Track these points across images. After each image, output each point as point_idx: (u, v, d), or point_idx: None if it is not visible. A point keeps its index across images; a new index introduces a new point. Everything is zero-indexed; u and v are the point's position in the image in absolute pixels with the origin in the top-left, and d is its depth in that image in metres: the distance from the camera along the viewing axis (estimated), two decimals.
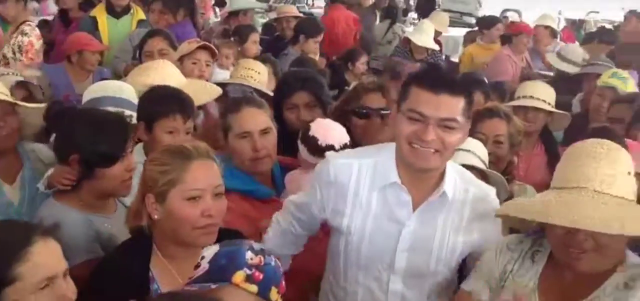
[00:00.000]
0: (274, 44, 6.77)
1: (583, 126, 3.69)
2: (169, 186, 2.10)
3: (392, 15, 8.98)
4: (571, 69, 5.75)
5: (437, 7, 13.59)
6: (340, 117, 3.10)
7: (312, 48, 6.15)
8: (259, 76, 4.17)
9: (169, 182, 2.10)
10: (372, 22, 9.24)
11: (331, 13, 8.12)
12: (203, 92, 3.58)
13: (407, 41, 7.14)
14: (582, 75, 5.25)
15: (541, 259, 2.13)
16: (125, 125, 2.62)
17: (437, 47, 7.12)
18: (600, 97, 4.21)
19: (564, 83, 5.13)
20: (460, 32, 11.25)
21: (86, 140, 2.48)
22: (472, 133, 3.05)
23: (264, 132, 2.76)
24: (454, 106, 2.14)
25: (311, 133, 2.81)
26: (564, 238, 1.95)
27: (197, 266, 1.84)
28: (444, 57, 8.23)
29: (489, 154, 3.05)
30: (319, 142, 2.77)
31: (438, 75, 2.24)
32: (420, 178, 2.27)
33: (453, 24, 15.22)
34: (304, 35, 6.15)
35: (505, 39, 7.12)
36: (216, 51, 4.49)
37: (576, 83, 5.27)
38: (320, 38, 6.31)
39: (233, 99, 3.32)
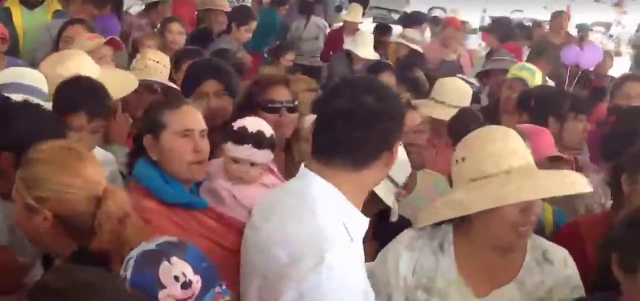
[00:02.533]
0: (200, 37, 6.69)
1: (492, 119, 3.83)
2: None
3: (307, 10, 8.99)
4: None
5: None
6: (247, 110, 2.95)
7: (245, 36, 6.07)
8: (159, 66, 3.96)
9: None
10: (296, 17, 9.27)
11: None
12: (120, 84, 3.39)
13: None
14: (488, 70, 5.45)
15: (449, 248, 2.18)
16: (63, 123, 2.57)
17: (377, 57, 7.11)
18: (509, 90, 4.34)
19: None
20: None
21: (24, 138, 2.23)
22: None
23: (203, 133, 2.56)
24: None
25: (236, 125, 2.66)
26: (518, 218, 2.04)
27: None
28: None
29: (412, 146, 3.06)
30: (249, 130, 2.59)
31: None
32: None
33: (382, 20, 15.45)
34: (235, 24, 6.05)
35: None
36: (122, 44, 4.33)
37: None
38: (253, 25, 6.17)
39: (171, 96, 3.17)
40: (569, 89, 6.24)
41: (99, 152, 2.89)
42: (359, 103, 1.80)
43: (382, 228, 2.57)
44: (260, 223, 1.95)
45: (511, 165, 2.05)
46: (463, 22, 7.54)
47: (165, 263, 1.68)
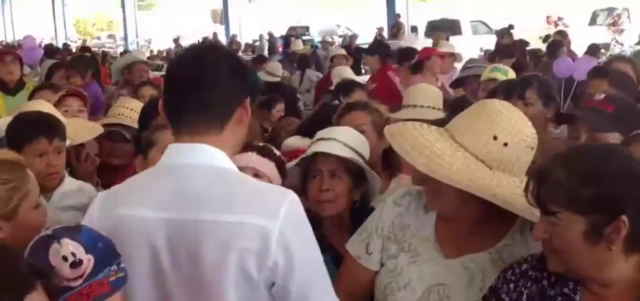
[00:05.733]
0: None
1: None
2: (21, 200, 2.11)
3: (302, 65, 9.75)
4: (271, 79, 7.86)
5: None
6: None
7: (276, 117, 6.26)
8: (133, 113, 4.12)
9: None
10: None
11: None
12: (85, 130, 3.62)
13: None
14: (463, 78, 5.54)
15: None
16: None
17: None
18: (484, 92, 4.29)
19: None
20: None
21: None
22: None
23: None
24: None
25: None
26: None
27: None
28: None
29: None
30: None
31: None
32: None
33: None
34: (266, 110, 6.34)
35: (418, 67, 7.17)
36: (87, 97, 4.48)
37: None
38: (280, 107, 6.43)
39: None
40: (564, 103, 6.14)
41: (75, 183, 3.08)
42: (204, 66, 1.83)
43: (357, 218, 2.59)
44: (187, 216, 1.78)
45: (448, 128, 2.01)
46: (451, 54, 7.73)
47: (55, 244, 1.67)
